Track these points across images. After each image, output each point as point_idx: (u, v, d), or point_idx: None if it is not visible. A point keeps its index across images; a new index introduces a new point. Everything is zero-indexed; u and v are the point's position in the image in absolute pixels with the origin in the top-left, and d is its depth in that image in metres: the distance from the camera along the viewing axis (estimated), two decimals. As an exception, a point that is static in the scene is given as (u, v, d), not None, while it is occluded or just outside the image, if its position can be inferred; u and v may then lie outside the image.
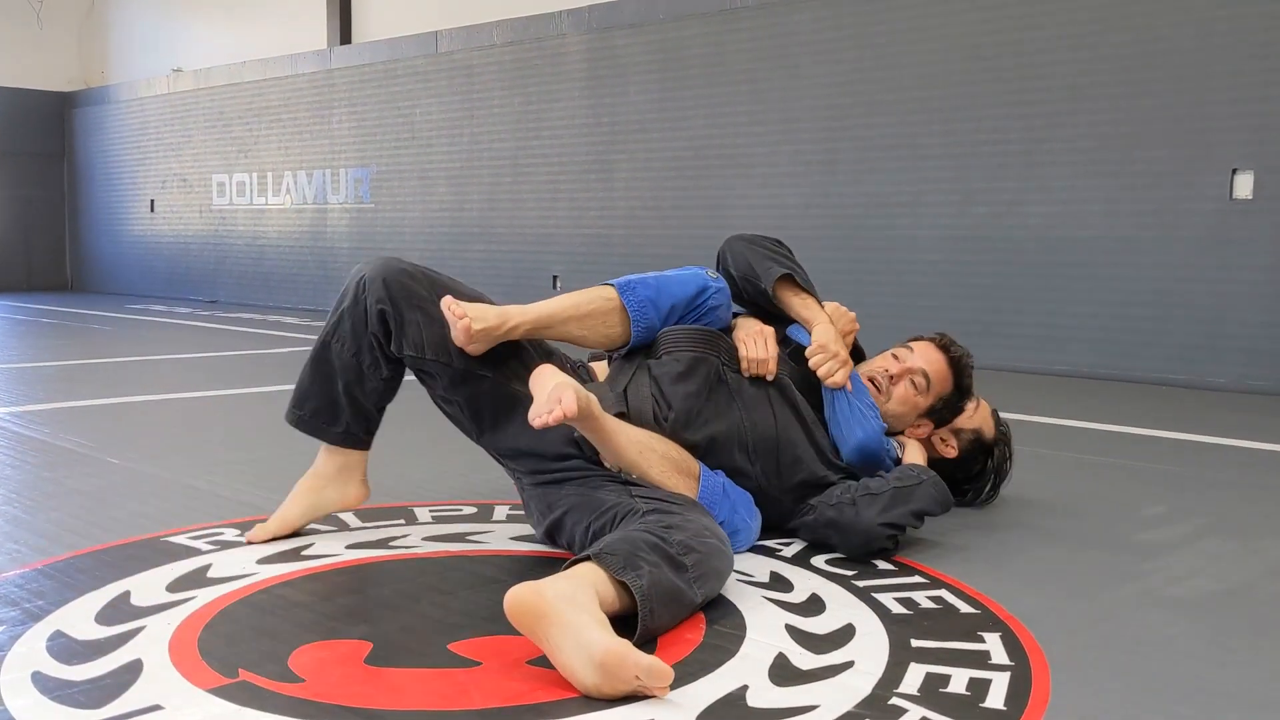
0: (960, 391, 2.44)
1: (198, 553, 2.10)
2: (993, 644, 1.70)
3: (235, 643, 1.63)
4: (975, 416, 2.51)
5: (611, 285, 2.19)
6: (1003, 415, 2.61)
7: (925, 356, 2.41)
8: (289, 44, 10.06)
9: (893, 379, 2.37)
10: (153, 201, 11.60)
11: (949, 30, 5.82)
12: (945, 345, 2.44)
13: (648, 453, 2.04)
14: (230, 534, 2.23)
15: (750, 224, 6.63)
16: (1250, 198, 4.95)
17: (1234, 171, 4.98)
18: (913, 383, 2.37)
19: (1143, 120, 5.23)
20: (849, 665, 1.61)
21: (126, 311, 9.28)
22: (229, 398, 4.31)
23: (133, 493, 2.61)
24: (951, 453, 2.48)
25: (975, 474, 2.55)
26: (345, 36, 9.64)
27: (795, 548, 2.20)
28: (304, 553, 2.11)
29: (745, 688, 1.51)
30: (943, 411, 2.44)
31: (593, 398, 1.93)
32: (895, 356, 2.41)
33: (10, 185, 12.35)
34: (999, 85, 5.66)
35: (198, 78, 10.87)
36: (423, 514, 2.43)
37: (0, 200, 12.27)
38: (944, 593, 1.95)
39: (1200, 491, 2.89)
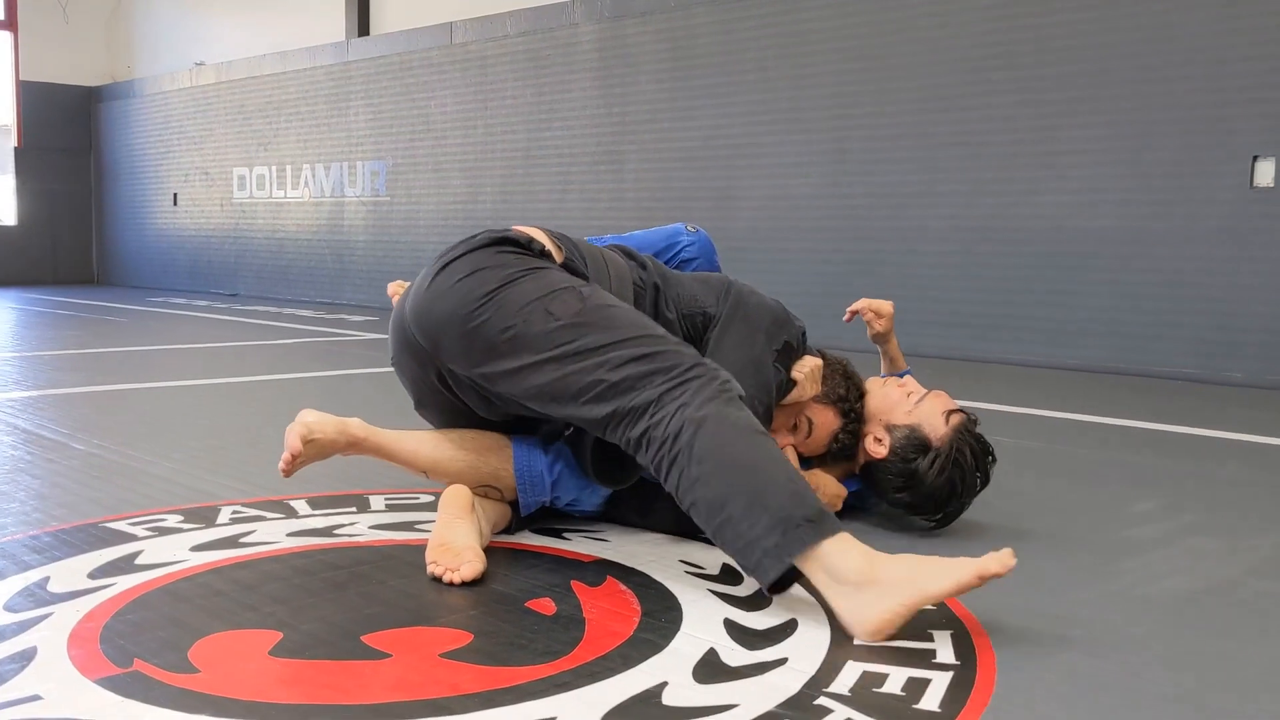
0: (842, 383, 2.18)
1: (132, 539, 2.03)
2: (941, 642, 1.60)
3: (140, 631, 1.57)
4: (917, 411, 2.10)
5: None
6: (1003, 412, 2.49)
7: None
8: (308, 36, 10.05)
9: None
10: (176, 195, 11.66)
11: (960, 18, 5.68)
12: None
13: (442, 447, 2.03)
14: (172, 520, 2.17)
15: (760, 214, 6.54)
16: (1272, 186, 4.78)
17: (1254, 159, 4.81)
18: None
19: (1159, 106, 5.06)
20: (781, 662, 1.51)
21: (146, 304, 9.31)
22: (218, 386, 4.27)
23: (88, 478, 2.56)
24: (882, 451, 2.10)
25: (906, 485, 2.09)
26: (363, 28, 9.61)
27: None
28: (242, 540, 2.05)
29: (664, 685, 1.42)
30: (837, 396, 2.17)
31: (349, 427, 1.99)
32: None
33: (39, 179, 12.45)
34: (1011, 73, 5.51)
35: (219, 71, 10.90)
36: (377, 502, 2.36)
37: (29, 195, 12.38)
38: (900, 588, 1.85)
39: (1201, 488, 2.76)
